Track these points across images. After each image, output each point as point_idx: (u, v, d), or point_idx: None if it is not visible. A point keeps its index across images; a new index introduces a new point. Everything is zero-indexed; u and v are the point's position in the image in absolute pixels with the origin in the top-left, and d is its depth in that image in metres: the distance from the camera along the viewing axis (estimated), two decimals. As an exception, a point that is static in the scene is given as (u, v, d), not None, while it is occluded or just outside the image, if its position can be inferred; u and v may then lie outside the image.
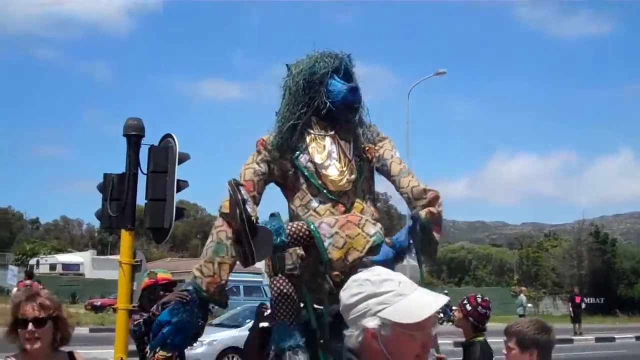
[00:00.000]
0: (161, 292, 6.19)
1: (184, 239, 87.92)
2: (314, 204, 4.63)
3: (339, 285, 4.79)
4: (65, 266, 55.00)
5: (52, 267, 54.82)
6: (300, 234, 4.32)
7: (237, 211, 4.02)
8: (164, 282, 6.28)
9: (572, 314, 29.26)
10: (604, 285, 48.38)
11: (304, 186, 4.68)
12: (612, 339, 25.69)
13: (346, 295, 2.13)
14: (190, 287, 4.63)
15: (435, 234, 4.54)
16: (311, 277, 4.61)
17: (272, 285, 4.64)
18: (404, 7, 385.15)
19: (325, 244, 4.29)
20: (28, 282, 19.06)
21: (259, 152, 4.74)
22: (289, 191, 4.80)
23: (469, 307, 5.24)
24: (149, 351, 5.92)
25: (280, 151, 4.69)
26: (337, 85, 4.71)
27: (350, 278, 2.17)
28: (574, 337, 24.48)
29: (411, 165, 5.05)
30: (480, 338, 5.25)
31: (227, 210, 4.34)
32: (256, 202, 4.57)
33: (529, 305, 29.54)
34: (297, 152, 4.70)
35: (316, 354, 4.70)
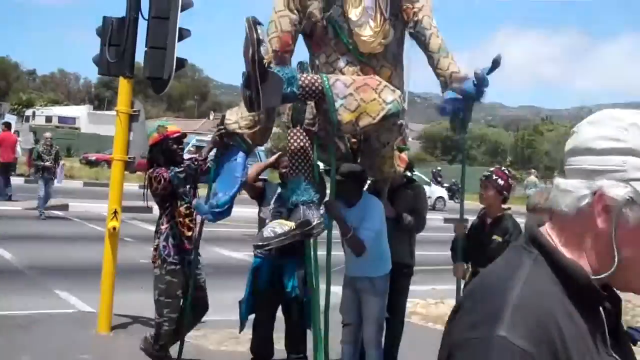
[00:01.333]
0: (174, 146, 5.65)
1: (179, 99, 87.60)
2: (341, 63, 4.32)
3: (355, 151, 4.66)
4: (62, 119, 54.87)
5: (48, 119, 54.70)
6: (313, 87, 4.06)
7: (250, 52, 3.77)
8: (176, 135, 5.72)
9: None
10: (596, 172, 48.84)
11: (332, 42, 4.36)
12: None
13: (592, 132, 1.28)
14: (240, 150, 4.58)
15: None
16: (328, 136, 4.44)
17: (289, 137, 4.46)
18: None
19: (337, 104, 4.04)
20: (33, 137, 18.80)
21: None
22: (314, 44, 4.49)
23: (501, 182, 5.06)
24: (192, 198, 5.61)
25: None
26: None
27: (606, 112, 1.31)
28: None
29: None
30: (509, 211, 5.14)
31: None
32: (291, 55, 4.32)
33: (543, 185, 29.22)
34: (329, 2, 4.29)
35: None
